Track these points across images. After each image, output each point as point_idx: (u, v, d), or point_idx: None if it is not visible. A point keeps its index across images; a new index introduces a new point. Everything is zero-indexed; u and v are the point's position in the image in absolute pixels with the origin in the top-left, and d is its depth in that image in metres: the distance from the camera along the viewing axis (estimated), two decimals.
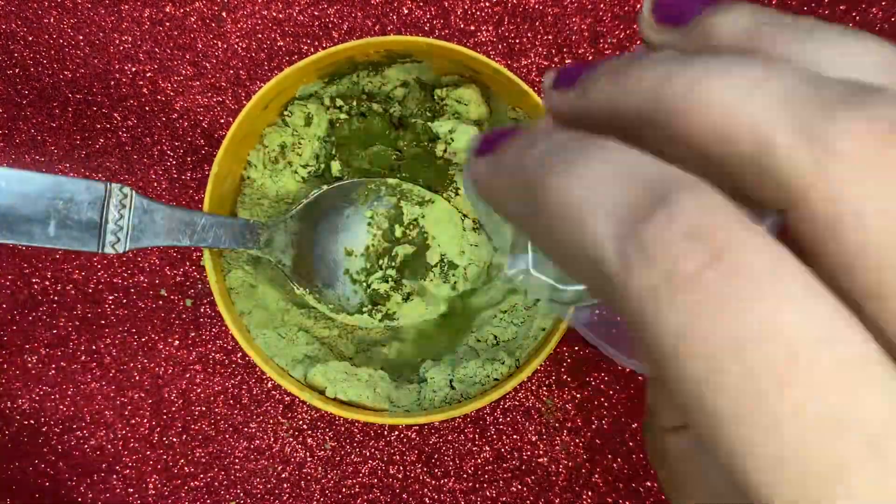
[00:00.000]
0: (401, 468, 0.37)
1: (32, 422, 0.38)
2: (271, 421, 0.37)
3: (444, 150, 0.33)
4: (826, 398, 0.08)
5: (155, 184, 0.38)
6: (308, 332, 0.34)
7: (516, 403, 0.37)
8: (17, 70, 0.38)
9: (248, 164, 0.33)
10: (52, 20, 0.38)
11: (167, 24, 0.38)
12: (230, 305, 0.31)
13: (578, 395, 0.37)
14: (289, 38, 0.38)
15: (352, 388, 0.31)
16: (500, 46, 0.37)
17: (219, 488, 0.37)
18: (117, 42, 0.38)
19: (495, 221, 0.13)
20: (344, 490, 0.37)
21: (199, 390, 0.38)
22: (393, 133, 0.34)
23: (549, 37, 0.37)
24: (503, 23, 0.37)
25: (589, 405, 0.37)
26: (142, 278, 0.38)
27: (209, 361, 0.38)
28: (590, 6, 0.37)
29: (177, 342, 0.38)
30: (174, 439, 0.37)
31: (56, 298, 0.38)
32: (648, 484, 0.37)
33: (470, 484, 0.37)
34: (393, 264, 0.34)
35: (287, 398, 0.37)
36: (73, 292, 0.38)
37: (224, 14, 0.38)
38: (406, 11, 0.37)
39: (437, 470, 0.37)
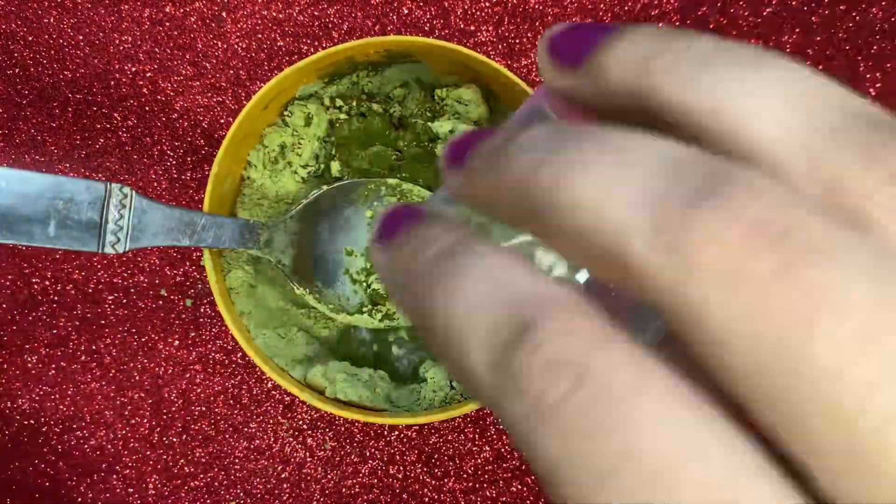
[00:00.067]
0: (401, 468, 0.37)
1: (32, 422, 0.38)
2: (271, 421, 0.37)
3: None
4: None
5: (155, 184, 0.38)
6: (308, 332, 0.34)
7: None
8: (17, 70, 0.38)
9: (247, 164, 0.33)
10: (51, 20, 0.38)
11: (167, 24, 0.38)
12: (230, 305, 0.31)
13: None
14: (289, 38, 0.38)
15: (351, 388, 0.31)
16: (500, 46, 0.37)
17: (219, 488, 0.37)
18: (117, 42, 0.38)
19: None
20: (344, 490, 0.37)
21: (199, 390, 0.38)
22: (393, 133, 0.34)
23: None
24: (503, 23, 0.37)
25: None
26: (142, 278, 0.38)
27: (209, 361, 0.38)
28: (590, 6, 0.37)
29: (177, 342, 0.38)
30: (174, 439, 0.37)
31: (56, 298, 0.38)
32: None
33: (470, 484, 0.37)
34: None
35: (287, 398, 0.37)
36: (73, 292, 0.38)
37: (224, 14, 0.38)
38: (406, 11, 0.37)
39: (437, 470, 0.37)
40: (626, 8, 0.37)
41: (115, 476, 0.37)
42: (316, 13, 0.38)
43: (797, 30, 0.37)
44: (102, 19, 0.38)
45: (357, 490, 0.37)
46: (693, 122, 0.09)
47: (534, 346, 0.08)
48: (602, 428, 0.08)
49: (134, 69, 0.38)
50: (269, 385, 0.38)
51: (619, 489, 0.08)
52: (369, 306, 0.34)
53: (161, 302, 0.38)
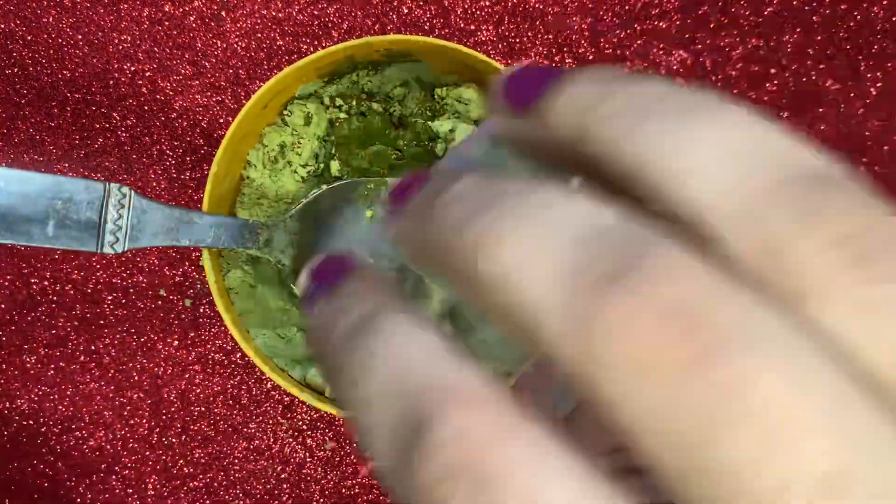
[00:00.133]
0: None
1: (31, 422, 0.37)
2: (271, 421, 0.37)
3: (445, 150, 0.33)
4: None
5: (154, 183, 0.38)
6: (307, 332, 0.34)
7: None
8: (15, 69, 0.38)
9: (247, 163, 0.33)
10: (50, 19, 0.38)
11: (166, 23, 0.38)
12: (229, 305, 0.31)
13: None
14: (288, 37, 0.38)
15: None
16: (500, 46, 0.37)
17: (218, 489, 0.37)
18: (116, 41, 0.38)
19: None
20: (344, 491, 0.37)
21: (198, 391, 0.37)
22: (393, 132, 0.34)
23: (550, 36, 0.37)
24: (503, 22, 0.37)
25: None
26: (141, 278, 0.38)
27: (208, 362, 0.37)
28: (590, 5, 0.37)
29: (176, 342, 0.38)
30: (173, 440, 0.37)
31: (55, 298, 0.38)
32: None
33: None
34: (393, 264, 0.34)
35: (286, 398, 0.37)
36: (71, 292, 0.38)
37: (223, 13, 0.38)
38: (406, 11, 0.37)
39: None
40: (627, 7, 0.37)
41: (114, 476, 0.37)
42: (315, 12, 0.38)
43: (798, 29, 0.37)
44: (101, 18, 0.38)
45: (357, 490, 0.37)
46: (627, 176, 0.09)
47: (428, 453, 0.08)
48: None
49: (133, 68, 0.38)
50: (269, 385, 0.37)
51: None
52: None
53: (160, 302, 0.38)
